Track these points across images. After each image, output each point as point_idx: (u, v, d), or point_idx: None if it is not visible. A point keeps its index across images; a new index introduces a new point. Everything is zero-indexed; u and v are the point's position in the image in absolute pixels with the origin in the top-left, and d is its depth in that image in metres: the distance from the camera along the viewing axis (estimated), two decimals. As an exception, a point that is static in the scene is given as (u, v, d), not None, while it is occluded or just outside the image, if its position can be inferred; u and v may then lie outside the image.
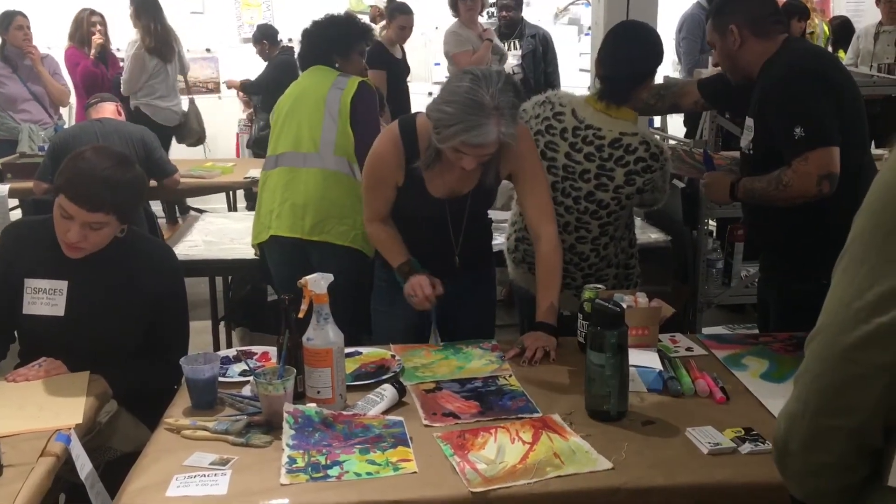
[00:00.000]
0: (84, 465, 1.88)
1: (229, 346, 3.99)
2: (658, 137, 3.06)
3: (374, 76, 5.47)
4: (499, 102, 2.17)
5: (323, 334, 1.95)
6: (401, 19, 6.00)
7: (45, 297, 2.27)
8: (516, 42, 6.17)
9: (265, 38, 6.57)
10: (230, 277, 4.20)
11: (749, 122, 2.57)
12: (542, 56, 6.18)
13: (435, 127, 2.25)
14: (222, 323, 4.19)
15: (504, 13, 6.29)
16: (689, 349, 2.34)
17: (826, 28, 7.46)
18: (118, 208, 2.19)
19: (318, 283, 1.96)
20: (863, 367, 0.93)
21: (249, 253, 3.56)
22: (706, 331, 3.61)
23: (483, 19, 6.55)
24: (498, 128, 2.18)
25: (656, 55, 2.68)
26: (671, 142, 4.19)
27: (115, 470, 2.01)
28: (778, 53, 2.48)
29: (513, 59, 6.14)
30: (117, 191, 2.17)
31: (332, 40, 3.31)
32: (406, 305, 2.46)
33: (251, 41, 6.82)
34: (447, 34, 6.06)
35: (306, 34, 3.39)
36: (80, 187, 2.14)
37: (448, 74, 6.06)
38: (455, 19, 6.10)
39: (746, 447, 1.80)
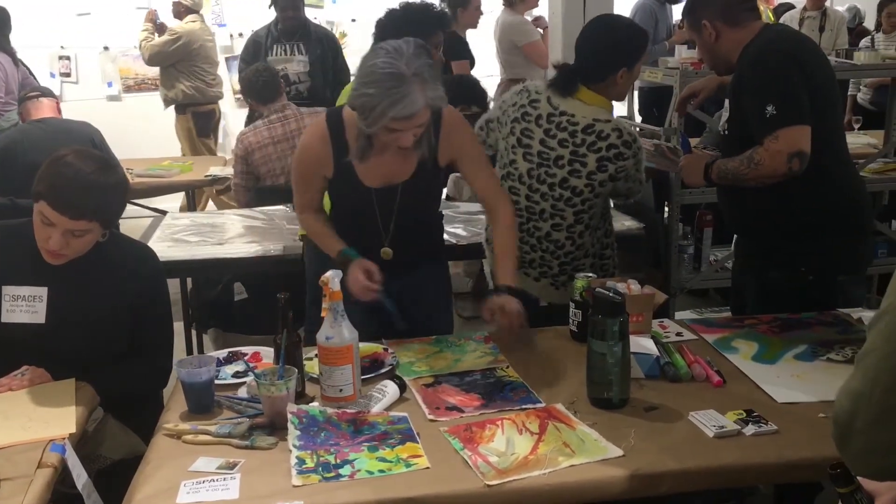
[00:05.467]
0: (80, 475, 1.83)
1: (201, 348, 3.91)
2: (633, 128, 3.07)
3: (459, 67, 5.16)
4: (416, 69, 2.12)
5: (340, 331, 1.95)
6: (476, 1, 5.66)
7: (25, 305, 2.20)
8: (301, 46, 5.42)
9: None
10: (195, 279, 4.10)
11: (726, 103, 2.61)
12: (331, 64, 5.48)
13: (361, 113, 2.18)
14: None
15: (288, 13, 5.41)
16: (679, 334, 2.36)
17: (770, 15, 7.59)
18: (102, 215, 2.13)
19: (334, 280, 1.95)
20: None
21: (218, 252, 3.51)
22: (678, 315, 3.65)
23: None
24: (423, 93, 2.12)
25: (605, 51, 2.62)
26: (654, 140, 4.16)
27: (106, 478, 1.97)
28: (755, 38, 2.52)
29: (299, 66, 5.43)
30: (101, 197, 2.11)
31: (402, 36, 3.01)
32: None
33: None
34: (514, 25, 5.76)
35: (379, 26, 2.95)
36: (63, 194, 2.06)
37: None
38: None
39: (750, 429, 1.82)
